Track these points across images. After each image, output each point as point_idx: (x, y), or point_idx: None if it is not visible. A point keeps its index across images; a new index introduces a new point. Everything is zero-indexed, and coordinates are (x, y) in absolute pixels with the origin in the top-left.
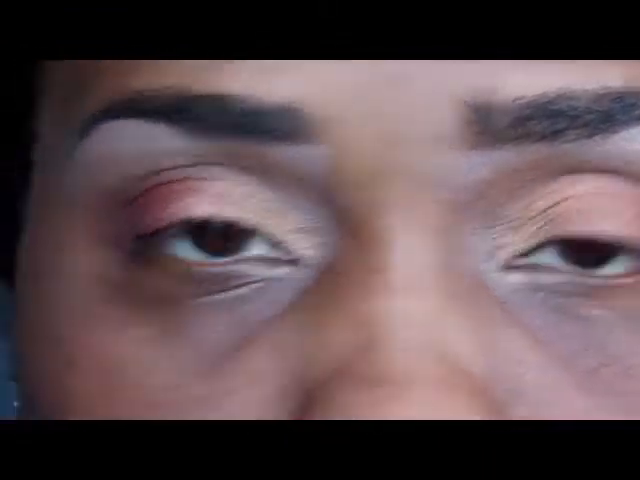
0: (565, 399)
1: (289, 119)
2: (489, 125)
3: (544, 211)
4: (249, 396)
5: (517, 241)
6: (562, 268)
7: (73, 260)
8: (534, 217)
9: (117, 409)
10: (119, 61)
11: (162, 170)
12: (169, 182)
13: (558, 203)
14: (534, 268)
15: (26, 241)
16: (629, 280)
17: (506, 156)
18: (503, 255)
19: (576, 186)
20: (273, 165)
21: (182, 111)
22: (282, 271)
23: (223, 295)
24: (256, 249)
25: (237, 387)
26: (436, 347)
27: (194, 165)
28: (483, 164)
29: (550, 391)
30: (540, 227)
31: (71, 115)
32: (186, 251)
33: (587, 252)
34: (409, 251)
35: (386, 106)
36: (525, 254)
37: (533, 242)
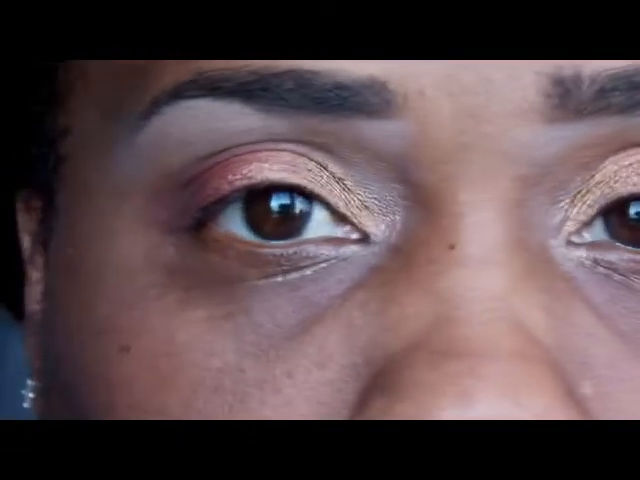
0: (632, 374)
1: (371, 94)
2: (570, 98)
3: (605, 178)
4: (311, 378)
5: (579, 212)
6: (620, 246)
7: (122, 246)
8: (596, 184)
9: (175, 393)
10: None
11: (232, 147)
12: (236, 155)
13: (619, 170)
14: (596, 246)
15: (61, 234)
16: None
17: (583, 129)
18: (568, 229)
19: (636, 155)
20: (350, 141)
21: (262, 89)
22: (349, 250)
23: (286, 276)
24: (320, 229)
25: (299, 369)
26: (511, 320)
27: (266, 141)
28: (560, 138)
29: (614, 366)
30: (601, 192)
31: (126, 103)
32: (245, 232)
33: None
34: (482, 226)
35: (467, 82)
36: (588, 224)
37: (594, 209)
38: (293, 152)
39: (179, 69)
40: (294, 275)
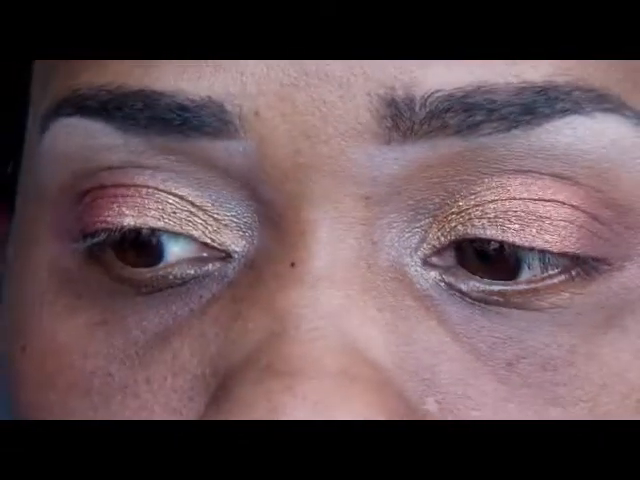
0: (480, 390)
1: (210, 115)
2: (403, 119)
3: (464, 211)
4: (168, 385)
5: (437, 236)
6: (479, 273)
7: (36, 251)
8: (450, 215)
9: (56, 393)
10: (69, 61)
11: (100, 170)
12: (102, 187)
13: (478, 206)
14: (449, 271)
15: (11, 235)
16: (546, 282)
17: (420, 151)
18: (425, 250)
19: (497, 189)
20: (200, 160)
21: (117, 108)
22: (212, 267)
23: (157, 294)
24: (182, 251)
25: (157, 376)
26: (342, 338)
27: (124, 167)
28: (397, 159)
29: (465, 383)
30: (454, 226)
31: (37, 112)
32: (113, 257)
33: (501, 262)
34: (325, 244)
35: (300, 102)
36: (441, 249)
37: (451, 238)
38: (153, 188)
39: (63, 86)
40: (164, 292)
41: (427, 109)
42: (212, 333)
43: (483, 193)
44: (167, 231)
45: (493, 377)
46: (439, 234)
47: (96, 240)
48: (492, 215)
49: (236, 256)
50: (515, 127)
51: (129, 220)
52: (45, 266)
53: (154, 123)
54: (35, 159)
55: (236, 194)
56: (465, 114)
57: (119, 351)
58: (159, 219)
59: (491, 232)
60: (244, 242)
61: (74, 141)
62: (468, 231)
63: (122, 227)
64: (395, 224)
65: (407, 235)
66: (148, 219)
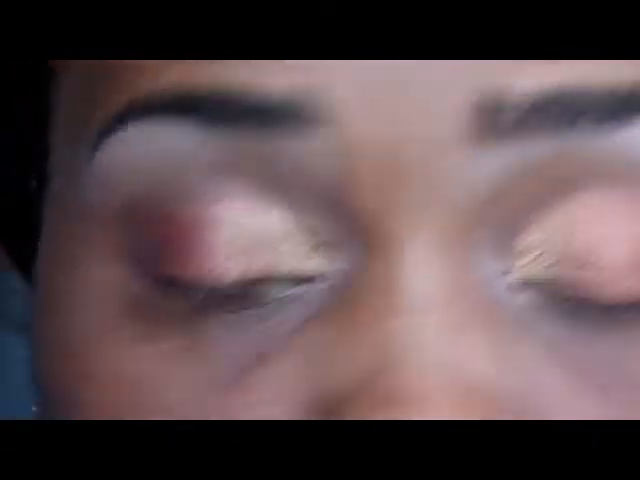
0: (581, 412)
1: (294, 112)
2: (497, 123)
3: (551, 242)
4: (268, 412)
5: (527, 265)
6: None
7: (89, 274)
8: (543, 248)
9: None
10: (124, 69)
11: (180, 179)
12: (183, 213)
13: (569, 233)
14: (550, 288)
15: (42, 256)
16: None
17: (515, 155)
18: (514, 275)
19: (585, 203)
20: (288, 162)
21: (189, 108)
22: (299, 290)
23: (240, 314)
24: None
25: (256, 403)
26: (451, 366)
27: (207, 175)
28: (495, 163)
29: (567, 405)
30: (549, 262)
31: (84, 128)
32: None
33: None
34: (422, 267)
35: (394, 105)
36: (533, 270)
37: (546, 264)
38: (241, 209)
39: (121, 96)
40: (254, 311)
41: (521, 111)
42: (315, 357)
43: (572, 212)
44: (265, 267)
45: (592, 398)
46: (526, 262)
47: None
48: (582, 243)
49: (325, 278)
50: (607, 125)
51: (225, 264)
52: (101, 290)
53: (234, 122)
54: (80, 178)
55: (323, 213)
56: (558, 116)
57: (210, 379)
58: (251, 258)
59: (582, 271)
60: (332, 263)
61: (139, 151)
62: (560, 267)
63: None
64: (487, 240)
65: (499, 252)
66: (241, 259)
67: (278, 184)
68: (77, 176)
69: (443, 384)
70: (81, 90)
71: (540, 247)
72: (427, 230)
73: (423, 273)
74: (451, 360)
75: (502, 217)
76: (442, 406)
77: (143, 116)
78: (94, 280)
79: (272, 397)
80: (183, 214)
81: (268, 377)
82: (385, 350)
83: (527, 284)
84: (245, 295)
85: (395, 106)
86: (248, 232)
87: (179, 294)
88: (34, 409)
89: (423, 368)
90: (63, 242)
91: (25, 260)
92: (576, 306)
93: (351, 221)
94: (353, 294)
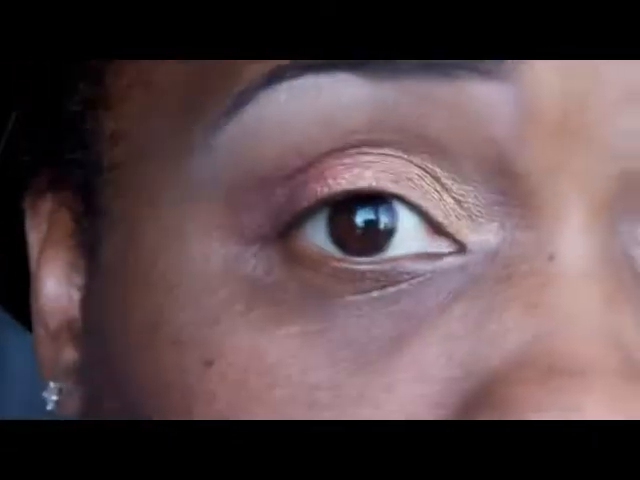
0: None
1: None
2: None
3: None
4: (410, 392)
5: None
6: None
7: (197, 255)
8: None
9: (266, 409)
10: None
11: (341, 134)
12: (335, 155)
13: None
14: None
15: (116, 242)
16: None
17: None
18: None
19: None
20: (458, 107)
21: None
22: (445, 262)
23: (382, 291)
24: (408, 242)
25: (397, 383)
26: (614, 336)
27: (368, 134)
28: None
29: None
30: None
31: (205, 103)
32: (329, 247)
33: None
34: (580, 234)
35: (580, 63)
36: None
37: None
38: (397, 157)
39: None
40: (390, 290)
41: None
42: (459, 333)
43: None
44: (404, 200)
45: None
46: None
47: (311, 216)
48: None
49: (474, 248)
50: None
51: (374, 182)
52: (218, 270)
53: (416, 67)
54: (190, 157)
55: (483, 169)
56: None
57: (347, 362)
58: (404, 187)
59: None
60: (482, 231)
61: (298, 104)
62: None
63: (366, 189)
64: (632, 209)
65: (636, 221)
66: (392, 185)
67: (436, 142)
68: (183, 158)
69: (607, 353)
70: (196, 66)
71: None
72: (586, 197)
73: (580, 239)
74: (613, 330)
75: None
76: (607, 375)
77: (306, 71)
78: (213, 260)
79: (413, 378)
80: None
81: (408, 358)
82: (550, 320)
83: None
84: (377, 274)
85: (580, 67)
86: (401, 168)
87: (302, 269)
88: (51, 407)
89: (588, 337)
90: (159, 225)
91: None
92: None
93: (508, 190)
94: (509, 263)
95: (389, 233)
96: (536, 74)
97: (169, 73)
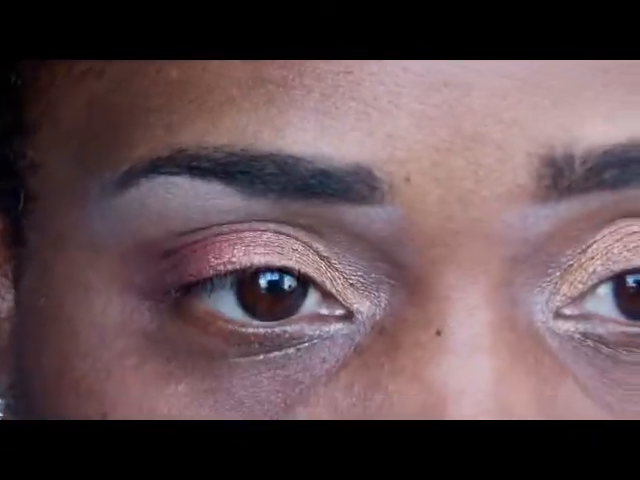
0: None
1: (356, 182)
2: (562, 177)
3: (597, 254)
4: None
5: (570, 287)
6: (612, 316)
7: (97, 304)
8: (587, 260)
9: None
10: (164, 111)
11: (212, 225)
12: (218, 234)
13: (612, 244)
14: (586, 317)
15: (32, 278)
16: None
17: (573, 206)
18: (556, 303)
19: (632, 227)
20: (333, 223)
21: (242, 172)
22: (333, 328)
23: (268, 355)
24: (304, 308)
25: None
26: (501, 410)
27: (248, 221)
28: (548, 217)
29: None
30: (593, 270)
31: (100, 162)
32: (230, 309)
33: (636, 301)
34: (470, 310)
35: (455, 167)
36: (578, 299)
37: (586, 286)
38: (277, 232)
39: (156, 140)
40: (276, 354)
41: (587, 166)
42: (346, 403)
43: (613, 234)
44: (298, 272)
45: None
46: (571, 287)
47: (214, 284)
48: (633, 246)
49: (361, 317)
50: None
51: (256, 258)
52: (115, 321)
53: (289, 188)
54: (92, 211)
55: (366, 254)
56: (621, 169)
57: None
58: (289, 259)
59: (626, 264)
60: (369, 303)
61: (177, 201)
62: (602, 274)
63: (248, 267)
64: (530, 280)
65: (540, 290)
66: (275, 258)
67: (321, 234)
68: (87, 207)
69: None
70: (96, 118)
71: (579, 269)
72: (479, 280)
73: (470, 315)
74: (501, 403)
75: (548, 256)
76: None
77: (183, 170)
78: (108, 315)
79: None
80: (209, 240)
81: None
82: (437, 394)
83: (567, 315)
84: (270, 337)
85: (460, 170)
86: (276, 260)
87: (192, 327)
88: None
89: (475, 412)
90: (65, 272)
91: None
92: (610, 338)
93: (392, 274)
94: (395, 337)
95: (296, 296)
96: (412, 189)
97: (73, 111)
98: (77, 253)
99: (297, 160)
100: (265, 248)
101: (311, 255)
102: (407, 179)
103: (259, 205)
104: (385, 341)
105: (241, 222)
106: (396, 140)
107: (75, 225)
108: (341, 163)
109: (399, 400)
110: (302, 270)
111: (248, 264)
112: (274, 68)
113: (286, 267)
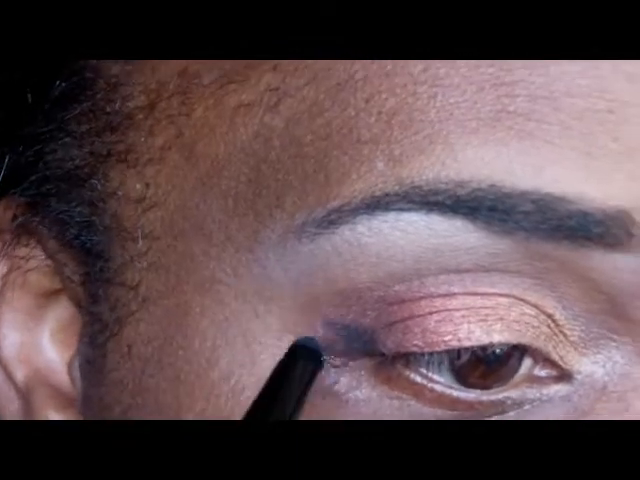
0: None
1: (616, 226)
2: None
3: None
4: None
5: None
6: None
7: (265, 358)
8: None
9: None
10: (381, 142)
11: (440, 273)
12: (444, 295)
13: None
14: None
15: (152, 322)
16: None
17: None
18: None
19: None
20: (574, 270)
21: (489, 208)
22: (551, 390)
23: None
24: (520, 370)
25: None
26: None
27: (477, 271)
28: None
29: None
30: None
31: (281, 204)
32: (443, 377)
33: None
34: None
35: None
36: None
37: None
38: (513, 297)
39: (376, 174)
40: (495, 418)
41: None
42: None
43: None
44: (517, 345)
45: None
46: None
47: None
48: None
49: (579, 377)
50: None
51: (483, 337)
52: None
53: (542, 228)
54: (273, 253)
55: (594, 306)
56: None
57: None
58: (517, 334)
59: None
60: (587, 361)
61: (408, 238)
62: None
63: (468, 347)
64: None
65: None
66: (503, 336)
67: (552, 286)
68: (257, 251)
69: None
70: (272, 155)
71: None
72: None
73: None
74: None
75: None
76: None
77: (419, 206)
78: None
79: None
80: (453, 291)
81: None
82: None
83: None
84: (483, 404)
85: None
86: (517, 315)
87: (396, 392)
88: None
89: None
90: (215, 317)
91: None
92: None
93: (616, 328)
94: (626, 397)
95: (513, 368)
96: None
97: (227, 147)
98: (233, 303)
99: (557, 199)
100: (502, 324)
101: (543, 327)
102: None
103: (502, 244)
104: (611, 403)
105: (475, 271)
106: None
107: (229, 272)
108: (605, 205)
109: None
110: (534, 345)
111: (486, 342)
112: (521, 100)
113: (521, 344)
